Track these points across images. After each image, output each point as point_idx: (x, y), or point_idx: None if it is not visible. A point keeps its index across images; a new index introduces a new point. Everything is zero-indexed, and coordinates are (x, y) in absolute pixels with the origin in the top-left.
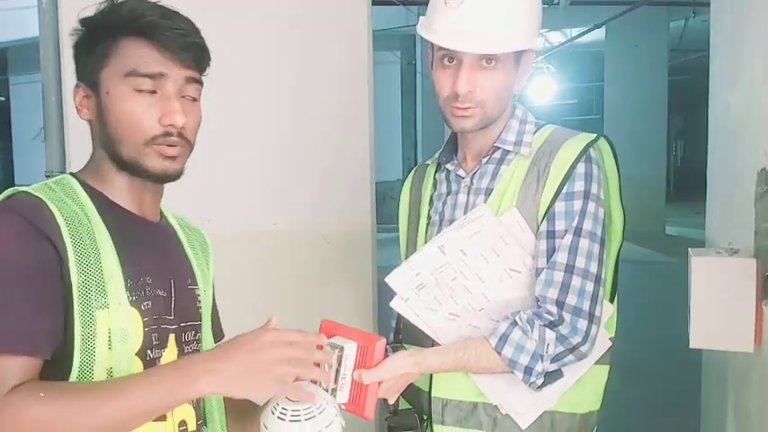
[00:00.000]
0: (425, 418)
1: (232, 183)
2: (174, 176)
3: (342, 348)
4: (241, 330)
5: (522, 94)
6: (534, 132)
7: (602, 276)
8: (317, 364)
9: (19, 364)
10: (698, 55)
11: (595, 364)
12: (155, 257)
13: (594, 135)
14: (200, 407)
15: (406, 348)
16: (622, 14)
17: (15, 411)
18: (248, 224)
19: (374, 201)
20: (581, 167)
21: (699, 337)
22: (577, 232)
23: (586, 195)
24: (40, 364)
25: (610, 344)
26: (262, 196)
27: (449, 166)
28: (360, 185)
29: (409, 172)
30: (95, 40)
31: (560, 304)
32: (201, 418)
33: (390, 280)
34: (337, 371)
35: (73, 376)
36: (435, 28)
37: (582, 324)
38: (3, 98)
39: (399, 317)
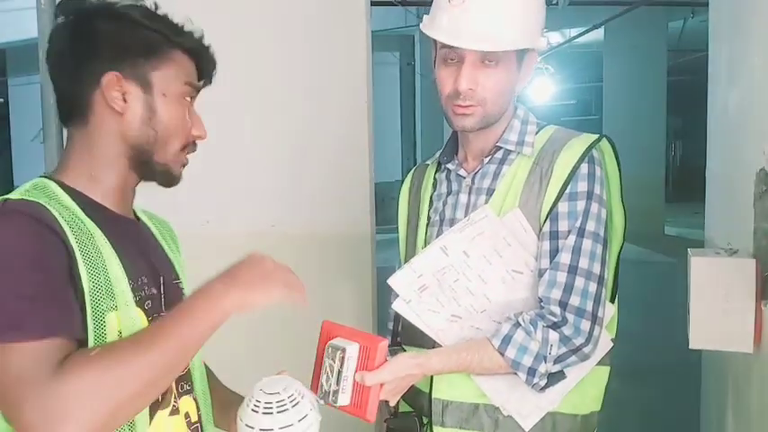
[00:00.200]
0: (425, 421)
1: (231, 184)
2: (178, 183)
3: (344, 350)
4: (240, 332)
5: (520, 94)
6: (536, 132)
7: (605, 277)
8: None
9: (59, 345)
10: (696, 55)
11: (596, 365)
12: (144, 256)
13: (597, 136)
14: (197, 399)
15: (405, 350)
16: (621, 15)
17: (75, 379)
18: (247, 225)
19: (373, 201)
20: (584, 168)
21: (698, 338)
22: (581, 233)
23: (589, 196)
24: (75, 346)
25: (611, 345)
26: (261, 197)
27: (450, 165)
28: (359, 186)
29: (408, 172)
30: (148, 43)
31: (564, 305)
32: (200, 410)
33: (393, 282)
34: (339, 372)
35: None
36: (438, 25)
37: (585, 325)
38: (2, 99)
39: (397, 319)
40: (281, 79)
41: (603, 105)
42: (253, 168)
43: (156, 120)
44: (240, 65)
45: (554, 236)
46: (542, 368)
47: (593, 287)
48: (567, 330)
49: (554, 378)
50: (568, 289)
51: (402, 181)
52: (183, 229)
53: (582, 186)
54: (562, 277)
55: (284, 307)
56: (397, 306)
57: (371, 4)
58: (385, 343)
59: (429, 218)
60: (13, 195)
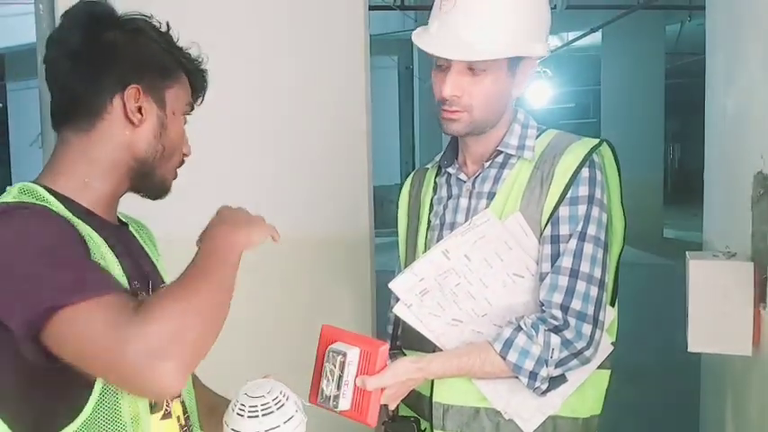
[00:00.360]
0: (424, 427)
1: (229, 188)
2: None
3: (344, 354)
4: (239, 333)
5: (519, 97)
6: (537, 137)
7: (606, 281)
8: None
9: (124, 297)
10: (694, 58)
11: (597, 368)
12: (134, 261)
13: (597, 140)
14: (184, 402)
15: (405, 354)
16: (619, 18)
17: (161, 317)
18: None
19: (372, 205)
20: (585, 172)
21: (697, 341)
22: (582, 237)
23: (590, 200)
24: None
25: (612, 348)
26: (259, 201)
27: (450, 169)
28: (357, 190)
29: (407, 176)
30: (167, 63)
31: (565, 309)
32: (187, 413)
33: (393, 286)
34: (339, 377)
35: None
36: (428, 32)
37: (587, 329)
38: (0, 104)
39: (397, 323)
40: (279, 83)
41: (602, 108)
42: (251, 172)
43: (165, 136)
44: (238, 69)
45: (555, 240)
46: (544, 372)
47: (594, 291)
48: (568, 334)
49: (555, 382)
50: (570, 293)
51: (401, 184)
52: (182, 233)
53: (583, 191)
54: (563, 281)
55: (282, 312)
56: (398, 310)
57: (370, 8)
58: (385, 347)
59: (429, 222)
60: (7, 199)
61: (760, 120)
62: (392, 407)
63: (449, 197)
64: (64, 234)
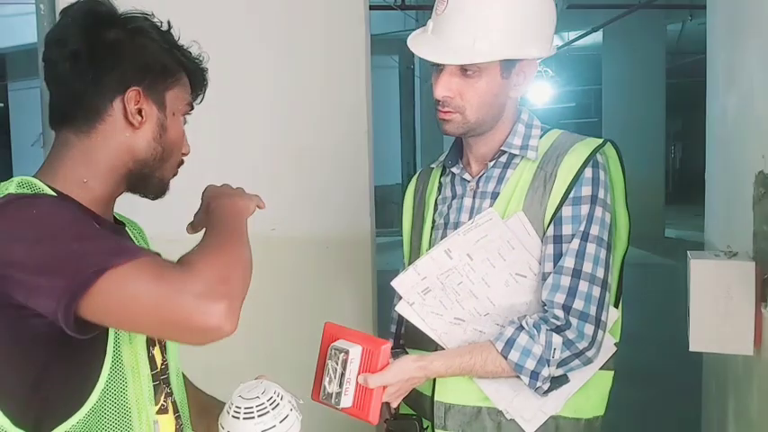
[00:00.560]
0: (426, 425)
1: None
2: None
3: (347, 352)
4: (241, 333)
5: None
6: (540, 137)
7: (609, 281)
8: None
9: (159, 257)
10: (695, 58)
11: (600, 369)
12: (145, 249)
13: (601, 140)
14: (176, 402)
15: (408, 353)
16: (619, 18)
17: (203, 266)
18: (248, 229)
19: (373, 205)
20: (588, 172)
21: (698, 340)
22: (584, 237)
23: (593, 200)
24: None
25: (615, 349)
26: None
27: (454, 169)
28: (359, 190)
29: (409, 176)
30: (168, 64)
31: (567, 309)
32: (178, 412)
33: (396, 284)
34: (342, 375)
35: (107, 365)
36: (425, 35)
37: (589, 329)
38: (1, 104)
39: (400, 322)
40: (279, 83)
41: (603, 108)
42: (252, 172)
43: (165, 137)
44: (238, 69)
45: (558, 240)
46: (545, 372)
47: (596, 291)
48: (570, 334)
49: (557, 382)
50: (572, 293)
51: (402, 184)
52: (182, 233)
53: (586, 191)
54: (566, 281)
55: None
56: (401, 308)
57: (370, 8)
58: (388, 345)
59: (434, 221)
60: (11, 190)
61: (761, 119)
62: (394, 405)
63: (453, 197)
64: (80, 215)
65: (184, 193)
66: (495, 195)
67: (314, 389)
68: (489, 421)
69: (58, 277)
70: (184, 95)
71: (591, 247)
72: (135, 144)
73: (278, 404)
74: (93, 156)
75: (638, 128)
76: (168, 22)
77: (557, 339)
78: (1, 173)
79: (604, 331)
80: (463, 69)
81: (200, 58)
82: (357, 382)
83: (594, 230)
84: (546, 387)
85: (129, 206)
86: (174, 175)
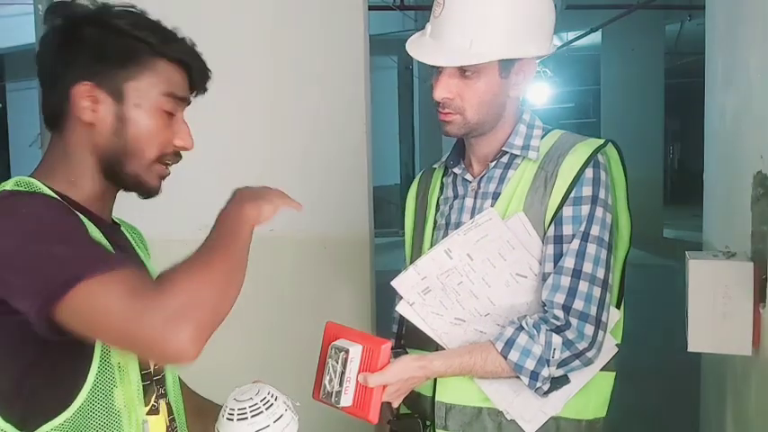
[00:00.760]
0: (428, 423)
1: (229, 188)
2: (158, 194)
3: (347, 351)
4: (240, 333)
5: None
6: (542, 137)
7: (610, 282)
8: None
9: (139, 273)
10: (694, 58)
11: (601, 370)
12: (128, 260)
13: (603, 140)
14: (170, 404)
15: (408, 353)
16: (618, 18)
17: (178, 288)
18: None
19: (372, 205)
20: (589, 172)
21: (697, 341)
22: (585, 237)
23: (594, 200)
24: None
25: (616, 350)
26: None
27: (456, 169)
28: (357, 190)
29: (408, 176)
30: (128, 52)
31: (567, 309)
32: (173, 414)
33: (396, 283)
34: (342, 374)
35: (95, 366)
36: (423, 37)
37: (589, 329)
38: (0, 105)
39: (402, 322)
40: (278, 83)
41: (601, 108)
42: (251, 172)
43: (125, 130)
44: (237, 69)
45: (558, 240)
46: (545, 372)
47: (597, 291)
48: (570, 334)
49: (557, 382)
50: (572, 293)
51: (400, 185)
52: (182, 234)
53: (587, 191)
54: (566, 281)
55: (282, 313)
56: (401, 308)
57: (369, 8)
58: (388, 345)
59: (435, 221)
60: (7, 187)
61: (759, 119)
62: (395, 405)
63: (454, 197)
64: (72, 218)
65: (185, 193)
66: (496, 195)
67: (314, 388)
68: (490, 422)
69: (35, 279)
70: (158, 85)
71: (591, 248)
72: (96, 140)
73: (271, 404)
74: (70, 155)
75: (637, 128)
76: (144, 10)
77: (556, 340)
78: None
79: (605, 332)
80: (462, 71)
81: (185, 43)
82: (357, 382)
83: (595, 231)
84: (546, 387)
85: (130, 206)
86: (164, 174)
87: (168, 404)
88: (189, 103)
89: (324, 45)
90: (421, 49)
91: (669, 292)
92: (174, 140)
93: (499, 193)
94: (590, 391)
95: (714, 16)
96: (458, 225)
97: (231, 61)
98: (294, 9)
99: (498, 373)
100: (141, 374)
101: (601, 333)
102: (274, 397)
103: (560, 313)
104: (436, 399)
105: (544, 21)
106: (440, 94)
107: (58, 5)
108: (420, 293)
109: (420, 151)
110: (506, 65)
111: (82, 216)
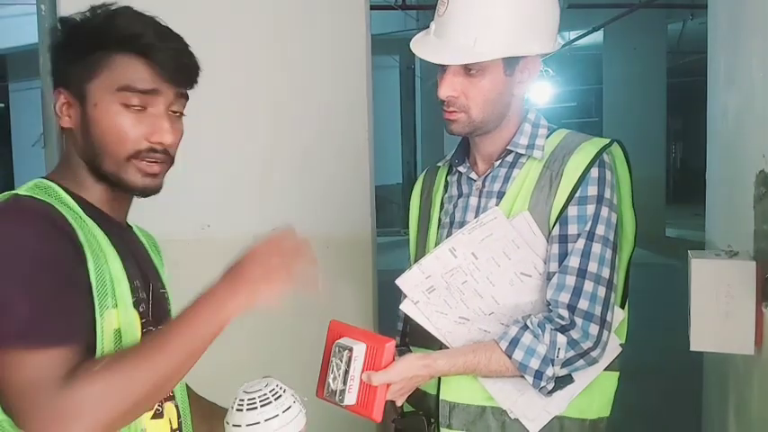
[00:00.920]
0: (432, 421)
1: (231, 188)
2: (154, 191)
3: (351, 350)
4: (243, 333)
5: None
6: (547, 136)
7: (614, 281)
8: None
9: (70, 353)
10: (696, 57)
11: (605, 370)
12: (137, 262)
13: (608, 140)
14: (178, 407)
15: (413, 351)
16: (620, 17)
17: (85, 388)
18: (247, 229)
19: (374, 205)
20: (594, 172)
21: (699, 340)
22: (590, 237)
23: (599, 200)
24: (85, 352)
25: (620, 350)
26: (261, 201)
27: (461, 168)
28: (359, 190)
29: (410, 176)
30: (84, 51)
31: (572, 308)
32: (181, 418)
33: (401, 282)
34: (346, 372)
35: None
36: (428, 36)
37: (593, 329)
38: (2, 105)
39: (406, 320)
40: (280, 83)
41: (603, 107)
42: (253, 172)
43: (91, 131)
44: (238, 69)
45: (563, 239)
46: (549, 371)
47: (601, 291)
48: (575, 334)
49: (562, 382)
50: (577, 292)
51: (402, 184)
52: (183, 234)
53: (592, 190)
54: (571, 281)
55: (284, 312)
56: (405, 307)
57: (371, 8)
58: (392, 343)
59: (440, 220)
60: (21, 192)
61: (762, 118)
62: (399, 403)
63: (459, 196)
64: (52, 251)
65: (185, 193)
66: (500, 194)
67: (318, 386)
68: (493, 420)
69: None
70: (112, 81)
71: (596, 247)
72: (76, 142)
73: (280, 396)
74: (69, 158)
75: (639, 127)
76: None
77: (561, 339)
78: (1, 173)
79: (609, 331)
80: (466, 69)
81: (159, 33)
82: (361, 380)
83: (600, 230)
84: (550, 387)
85: (130, 205)
86: (148, 171)
87: (177, 406)
88: (185, 98)
89: (326, 45)
90: (425, 47)
91: (671, 291)
92: (148, 136)
93: (504, 192)
94: (594, 390)
95: (716, 15)
96: (462, 224)
97: (232, 61)
98: (296, 9)
99: (502, 373)
100: None
101: (605, 333)
102: (283, 389)
103: (565, 313)
104: (440, 397)
105: (548, 18)
106: (445, 92)
107: (60, 20)
108: (424, 292)
109: (422, 151)
110: (511, 63)
111: (91, 221)
